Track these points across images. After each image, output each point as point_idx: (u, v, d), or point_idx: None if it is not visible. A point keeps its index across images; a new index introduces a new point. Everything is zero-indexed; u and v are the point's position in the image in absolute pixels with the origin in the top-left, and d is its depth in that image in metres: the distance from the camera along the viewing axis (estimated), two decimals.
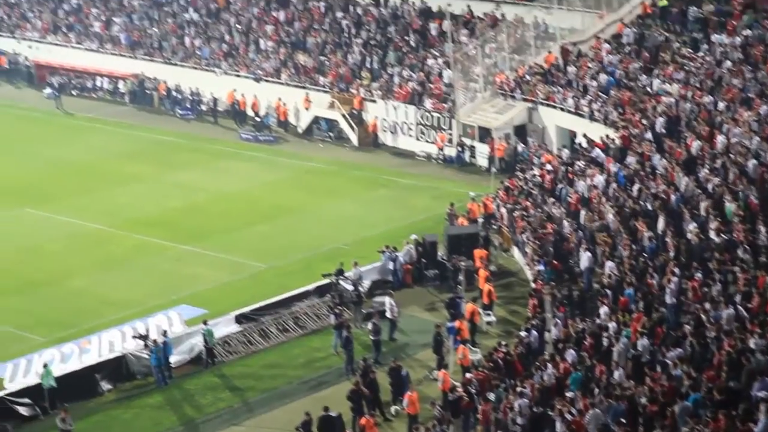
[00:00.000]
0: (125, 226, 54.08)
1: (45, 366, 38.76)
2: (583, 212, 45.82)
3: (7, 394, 38.12)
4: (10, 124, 72.80)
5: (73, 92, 78.61)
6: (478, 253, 45.69)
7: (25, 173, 62.53)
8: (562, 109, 58.57)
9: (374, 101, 66.78)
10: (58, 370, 39.28)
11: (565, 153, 54.02)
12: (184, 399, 39.22)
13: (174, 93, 74.57)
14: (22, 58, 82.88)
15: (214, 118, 72.08)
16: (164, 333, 40.81)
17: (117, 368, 40.22)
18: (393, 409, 36.93)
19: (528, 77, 62.16)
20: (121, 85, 77.65)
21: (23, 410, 37.95)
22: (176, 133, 69.68)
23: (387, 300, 42.91)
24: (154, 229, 53.69)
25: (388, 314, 42.41)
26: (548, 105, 59.63)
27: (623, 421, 29.39)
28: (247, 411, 38.22)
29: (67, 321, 44.27)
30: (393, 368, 37.52)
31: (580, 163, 50.50)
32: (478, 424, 33.47)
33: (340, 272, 44.90)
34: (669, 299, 36.64)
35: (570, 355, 34.71)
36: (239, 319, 42.99)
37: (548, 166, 52.41)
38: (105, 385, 39.72)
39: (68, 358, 40.45)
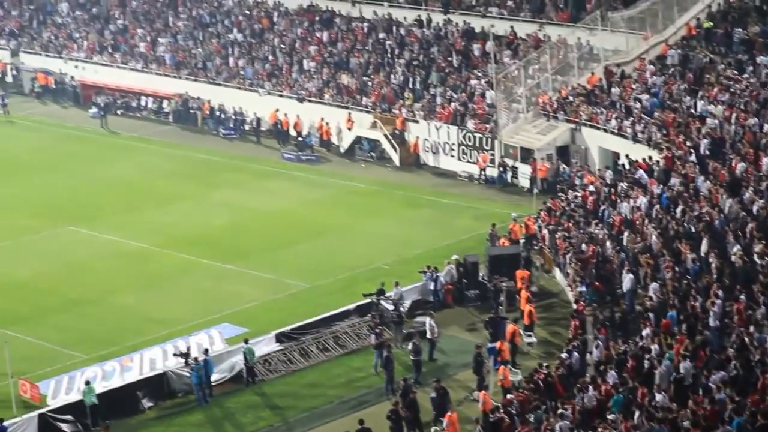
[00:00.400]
0: (168, 245, 54.38)
1: (87, 383, 38.99)
2: (625, 234, 45.58)
3: (50, 411, 38.34)
4: (57, 143, 73.47)
5: (119, 112, 79.23)
6: (520, 273, 45.59)
7: (70, 192, 63.02)
8: (605, 130, 58.37)
9: (416, 121, 66.84)
10: (100, 387, 39.51)
11: (608, 174, 53.80)
12: (224, 417, 39.30)
13: (217, 113, 75.00)
14: (68, 78, 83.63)
15: (257, 138, 72.42)
16: (205, 351, 40.94)
17: (158, 386, 40.38)
18: (433, 429, 36.80)
19: (571, 98, 62.01)
20: (165, 104, 78.19)
21: (65, 427, 38.16)
22: (219, 152, 70.05)
23: (427, 320, 42.84)
24: (197, 247, 53.95)
25: (428, 335, 42.33)
26: (591, 126, 59.43)
27: None
28: (287, 430, 38.26)
29: (110, 338, 44.52)
30: (438, 388, 37.43)
31: (623, 185, 50.26)
32: None
33: (380, 292, 44.92)
34: (712, 322, 36.37)
35: (611, 377, 34.49)
36: (280, 338, 43.07)
37: (591, 188, 52.21)
38: (146, 403, 39.88)
39: (110, 376, 40.67)
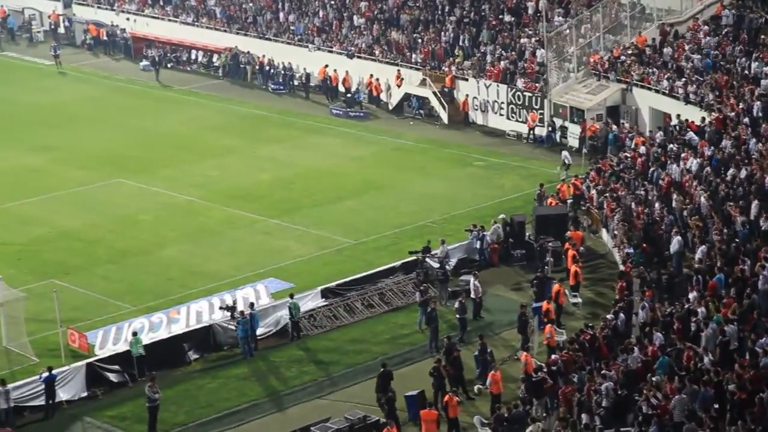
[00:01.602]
0: (216, 199, 54.61)
1: (134, 334, 39.33)
2: (674, 195, 45.20)
3: (98, 360, 38.74)
4: (108, 95, 73.79)
5: (169, 65, 79.42)
6: (571, 234, 45.39)
7: (120, 144, 63.34)
8: (656, 91, 57.77)
9: (466, 79, 66.49)
10: (147, 338, 39.83)
11: (659, 135, 53.31)
12: (269, 371, 39.53)
13: (267, 67, 74.98)
14: (119, 30, 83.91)
15: (305, 94, 72.38)
16: (251, 305, 41.16)
17: (204, 338, 40.66)
18: (476, 387, 36.86)
19: (623, 58, 61.39)
20: (215, 58, 78.27)
21: (112, 377, 38.53)
22: (268, 107, 70.09)
23: (472, 279, 42.78)
24: (244, 202, 54.13)
25: (472, 294, 42.29)
26: (642, 86, 58.85)
27: (712, 407, 29.00)
28: (331, 385, 38.44)
29: (157, 291, 44.85)
30: (482, 346, 37.47)
31: (674, 146, 49.79)
32: (560, 406, 33.24)
33: (426, 250, 44.91)
34: (761, 285, 36.02)
35: (657, 338, 34.32)
36: (325, 294, 43.20)
37: (641, 149, 51.76)
38: (192, 355, 40.18)
39: (157, 327, 40.98)
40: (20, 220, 52.02)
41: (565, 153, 55.89)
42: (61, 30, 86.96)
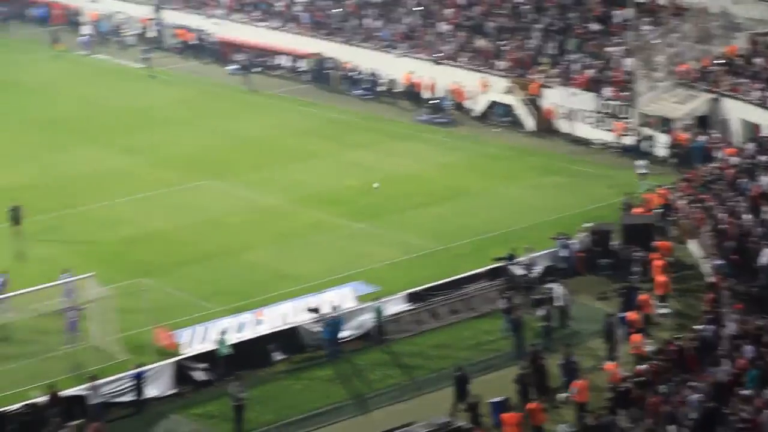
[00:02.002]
0: (301, 202, 55.00)
1: (221, 334, 39.74)
2: (764, 207, 44.60)
3: (185, 359, 39.20)
4: (196, 99, 74.63)
5: (256, 69, 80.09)
6: (660, 244, 45.00)
7: (207, 147, 64.03)
8: (747, 102, 57.06)
9: (552, 87, 66.24)
10: (234, 338, 40.20)
11: (749, 146, 52.64)
12: (353, 373, 39.70)
13: (353, 73, 75.33)
14: (208, 35, 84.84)
15: (390, 99, 72.59)
16: (336, 308, 41.37)
17: (290, 340, 40.95)
18: (562, 396, 36.69)
19: (712, 68, 60.75)
20: (301, 63, 78.79)
21: (199, 375, 38.94)
22: (353, 112, 70.43)
23: (558, 287, 42.59)
24: (330, 206, 54.45)
25: (558, 302, 42.09)
26: (732, 97, 58.17)
27: None
28: (415, 389, 38.49)
29: (243, 292, 45.25)
30: (568, 355, 37.31)
31: (764, 158, 49.15)
32: (647, 417, 32.96)
33: (511, 257, 44.83)
34: None
35: (748, 351, 33.90)
36: (410, 298, 43.29)
37: (731, 159, 51.17)
38: (277, 356, 40.49)
39: (243, 328, 41.35)
40: (110, 221, 52.78)
41: (641, 162, 55.44)
42: (151, 34, 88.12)
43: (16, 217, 50.30)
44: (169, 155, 62.38)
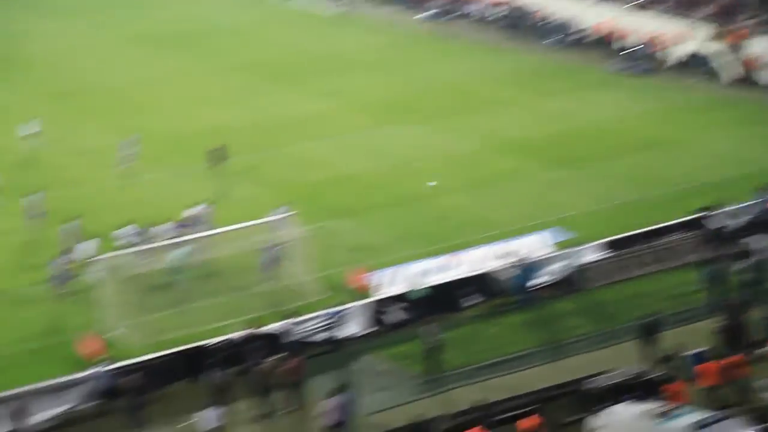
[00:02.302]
0: (496, 150, 54.87)
1: (416, 276, 40.04)
2: None
3: (379, 300, 39.59)
4: (391, 44, 75.02)
5: (449, 16, 79.94)
6: None
7: (403, 92, 64.34)
8: None
9: (755, 37, 64.15)
10: (428, 281, 40.44)
11: None
12: (547, 320, 39.49)
13: (545, 21, 74.47)
14: None
15: (584, 48, 71.56)
16: (531, 254, 41.19)
17: (484, 284, 40.99)
18: (764, 350, 35.77)
19: None
20: (494, 11, 78.22)
21: (394, 316, 39.31)
22: (547, 61, 69.74)
23: (760, 239, 41.41)
24: (525, 153, 54.20)
25: (761, 254, 40.93)
26: None
27: None
28: (611, 338, 38.05)
29: (437, 236, 45.47)
30: None
31: None
32: None
33: (712, 208, 43.80)
34: None
35: None
36: (607, 247, 42.78)
37: None
38: (470, 300, 40.60)
39: (438, 272, 41.55)
40: (307, 163, 53.68)
41: None
42: None
43: (219, 157, 51.65)
44: (365, 100, 62.94)
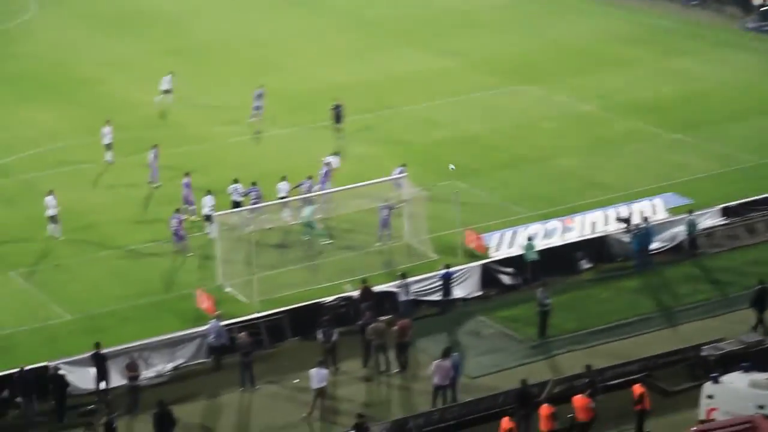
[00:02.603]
0: (617, 110, 54.14)
1: (529, 239, 39.90)
2: None
3: (493, 262, 39.64)
4: (514, 3, 74.17)
5: None
6: None
7: (526, 52, 63.73)
8: None
9: None
10: (541, 244, 40.28)
11: None
12: (661, 286, 39.00)
13: None
14: None
15: (717, 6, 69.91)
16: (646, 219, 40.67)
17: (598, 249, 40.64)
18: None
19: None
20: None
21: (506, 279, 39.34)
22: (677, 19, 68.40)
23: None
24: (646, 114, 53.36)
25: None
26: None
27: None
28: (725, 305, 37.48)
29: (553, 198, 45.19)
30: None
31: None
32: None
33: None
34: None
35: None
36: (725, 212, 41.96)
37: None
38: (584, 264, 40.29)
39: (551, 234, 41.34)
40: (426, 122, 53.69)
41: None
42: None
43: (338, 115, 52.00)
44: (487, 59, 62.55)
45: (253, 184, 43.68)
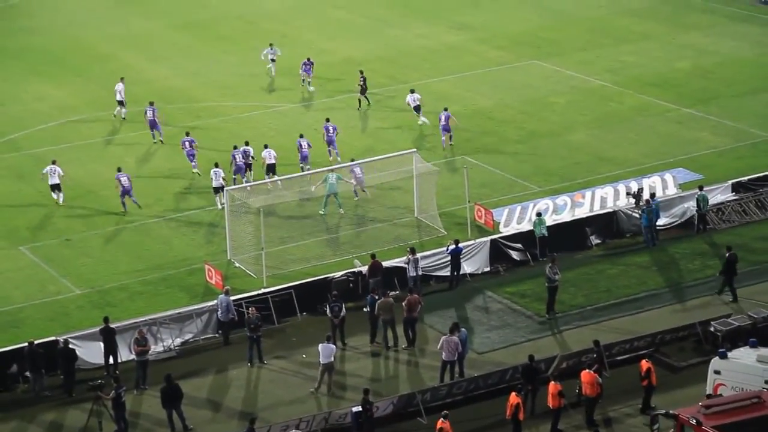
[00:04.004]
0: (629, 85, 53.91)
1: (538, 215, 39.81)
2: None
3: (502, 238, 39.59)
4: None
5: None
6: None
7: (537, 26, 63.41)
8: None
9: None
10: (551, 220, 40.21)
11: None
12: (670, 261, 38.92)
13: None
14: None
15: None
16: (653, 195, 40.51)
17: (607, 224, 40.57)
18: None
19: None
20: None
21: (515, 254, 39.30)
22: None
23: None
24: (658, 89, 53.13)
25: None
26: None
27: None
28: (735, 281, 37.31)
29: (563, 173, 45.09)
30: None
31: None
32: None
33: None
34: None
35: None
36: (736, 188, 41.83)
37: None
38: (594, 240, 40.24)
39: (561, 210, 41.23)
40: (437, 96, 53.50)
41: None
42: None
43: (361, 89, 52.17)
44: (499, 33, 62.29)
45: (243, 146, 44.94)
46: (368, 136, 49.32)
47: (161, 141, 48.59)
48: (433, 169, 42.10)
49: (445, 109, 47.74)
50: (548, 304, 36.31)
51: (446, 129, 47.26)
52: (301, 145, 45.24)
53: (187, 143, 45.79)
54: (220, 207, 41.99)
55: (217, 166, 43.33)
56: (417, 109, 49.67)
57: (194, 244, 40.83)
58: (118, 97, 51.21)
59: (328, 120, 47.04)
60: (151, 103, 49.26)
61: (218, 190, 42.49)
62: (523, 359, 32.14)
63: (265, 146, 44.95)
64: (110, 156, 48.19)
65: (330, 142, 46.26)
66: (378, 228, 41.40)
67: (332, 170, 42.37)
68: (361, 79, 52.07)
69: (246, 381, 33.58)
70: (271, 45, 56.65)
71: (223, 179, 42.71)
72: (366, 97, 52.15)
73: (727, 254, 36.38)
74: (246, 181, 43.73)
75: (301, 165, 45.02)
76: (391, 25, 64.51)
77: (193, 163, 45.68)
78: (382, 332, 34.83)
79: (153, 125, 48.82)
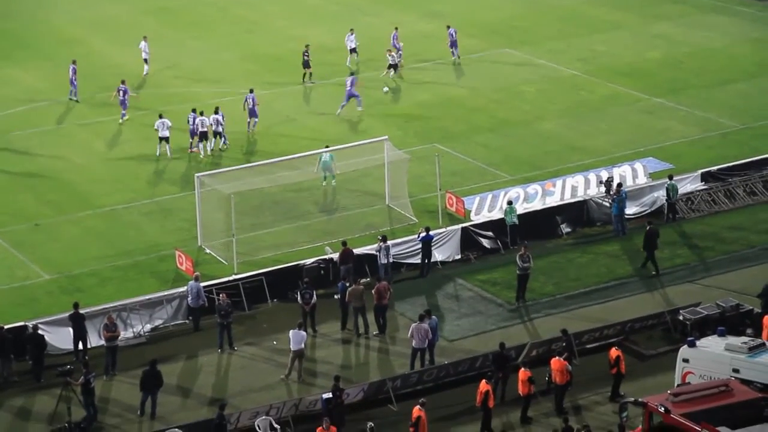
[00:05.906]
0: (600, 74, 54.04)
1: (509, 203, 39.89)
2: None
3: (473, 226, 39.67)
4: None
5: None
6: None
7: (508, 14, 63.38)
8: None
9: None
10: (521, 208, 40.31)
11: None
12: (640, 251, 38.65)
13: None
14: None
15: None
16: (619, 184, 40.62)
17: (578, 213, 40.73)
18: None
19: None
20: None
21: (486, 242, 39.42)
22: None
23: None
24: (629, 79, 53.29)
25: None
26: None
27: None
28: (703, 270, 37.68)
29: (534, 162, 45.20)
30: None
31: None
32: None
33: None
34: None
35: None
36: (706, 177, 42.08)
37: None
38: (564, 228, 40.40)
39: (532, 198, 41.29)
40: (409, 85, 53.44)
41: None
42: None
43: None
44: (471, 22, 62.07)
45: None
46: (339, 123, 49.19)
47: (122, 122, 49.02)
48: (405, 156, 42.06)
49: (352, 74, 50.58)
50: (518, 291, 36.43)
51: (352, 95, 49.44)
52: (247, 100, 47.49)
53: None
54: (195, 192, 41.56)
55: (161, 116, 45.38)
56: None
57: (165, 230, 40.70)
58: (144, 56, 54.21)
59: (251, 91, 47.88)
60: (123, 82, 49.55)
61: (164, 139, 45.29)
62: (493, 347, 32.28)
63: (216, 110, 46.33)
64: (79, 141, 47.92)
65: (252, 114, 47.62)
66: (349, 215, 41.39)
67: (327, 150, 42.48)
68: (306, 54, 52.77)
69: (216, 367, 33.55)
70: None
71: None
72: (309, 73, 53.15)
73: (647, 228, 36.83)
74: (201, 150, 45.82)
75: (248, 121, 47.52)
76: (365, 12, 64.28)
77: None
78: (353, 319, 34.87)
79: (123, 105, 49.13)
